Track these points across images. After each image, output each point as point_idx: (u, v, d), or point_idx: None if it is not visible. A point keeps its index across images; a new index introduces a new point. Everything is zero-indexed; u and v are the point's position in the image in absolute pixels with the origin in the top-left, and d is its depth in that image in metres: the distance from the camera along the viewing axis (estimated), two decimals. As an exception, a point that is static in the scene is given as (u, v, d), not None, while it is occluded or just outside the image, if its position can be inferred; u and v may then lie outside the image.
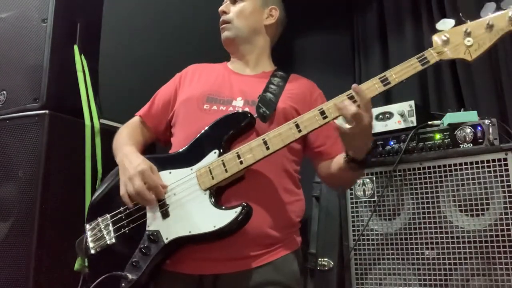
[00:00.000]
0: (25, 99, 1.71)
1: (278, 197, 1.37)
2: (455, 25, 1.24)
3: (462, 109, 1.89)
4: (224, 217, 1.23)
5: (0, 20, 1.86)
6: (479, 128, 1.77)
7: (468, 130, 1.79)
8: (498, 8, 1.20)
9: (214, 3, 1.70)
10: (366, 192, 1.94)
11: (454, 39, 1.22)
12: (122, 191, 1.32)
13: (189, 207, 1.28)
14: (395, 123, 1.98)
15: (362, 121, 1.18)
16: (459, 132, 1.80)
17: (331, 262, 2.04)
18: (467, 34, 1.20)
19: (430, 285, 1.73)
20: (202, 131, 1.37)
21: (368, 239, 1.91)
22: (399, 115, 1.96)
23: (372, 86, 1.23)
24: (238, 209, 1.23)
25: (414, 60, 1.23)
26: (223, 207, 1.26)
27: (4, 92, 1.78)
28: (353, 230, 1.95)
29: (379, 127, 2.00)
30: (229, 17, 1.56)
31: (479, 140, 1.76)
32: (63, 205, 1.63)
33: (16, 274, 1.55)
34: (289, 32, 1.70)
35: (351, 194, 1.98)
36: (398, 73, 1.22)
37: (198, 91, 1.49)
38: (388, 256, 1.85)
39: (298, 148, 1.47)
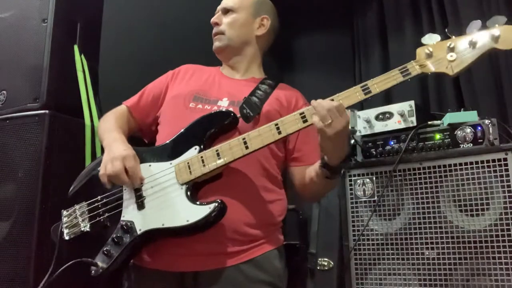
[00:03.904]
0: (25, 99, 1.72)
1: (256, 195, 1.39)
2: (440, 40, 1.26)
3: (462, 109, 1.88)
4: (198, 212, 1.25)
5: (0, 20, 1.86)
6: (479, 128, 1.77)
7: (468, 130, 1.78)
8: (484, 26, 1.21)
9: (213, 4, 1.70)
10: (366, 192, 1.94)
11: (437, 53, 1.23)
12: (102, 170, 1.33)
13: (165, 200, 1.30)
14: (395, 123, 1.97)
15: (337, 120, 1.19)
16: (459, 132, 1.80)
17: (331, 262, 2.04)
18: (451, 49, 1.22)
19: (430, 285, 1.73)
20: (185, 128, 1.38)
21: (368, 239, 1.90)
22: (399, 115, 1.96)
23: (353, 94, 1.25)
24: (213, 205, 1.24)
25: (396, 72, 1.25)
26: (198, 203, 1.27)
27: (4, 92, 1.78)
28: (353, 230, 1.94)
29: (379, 127, 2.00)
30: (221, 28, 1.60)
31: (479, 140, 1.75)
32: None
33: (16, 274, 1.55)
34: (289, 32, 1.71)
35: (351, 194, 1.98)
36: (380, 83, 1.25)
37: (186, 90, 1.53)
38: (388, 256, 1.84)
39: (280, 156, 1.49)
